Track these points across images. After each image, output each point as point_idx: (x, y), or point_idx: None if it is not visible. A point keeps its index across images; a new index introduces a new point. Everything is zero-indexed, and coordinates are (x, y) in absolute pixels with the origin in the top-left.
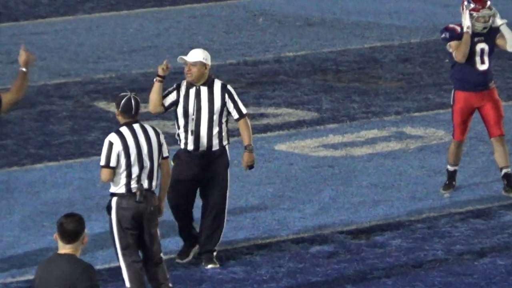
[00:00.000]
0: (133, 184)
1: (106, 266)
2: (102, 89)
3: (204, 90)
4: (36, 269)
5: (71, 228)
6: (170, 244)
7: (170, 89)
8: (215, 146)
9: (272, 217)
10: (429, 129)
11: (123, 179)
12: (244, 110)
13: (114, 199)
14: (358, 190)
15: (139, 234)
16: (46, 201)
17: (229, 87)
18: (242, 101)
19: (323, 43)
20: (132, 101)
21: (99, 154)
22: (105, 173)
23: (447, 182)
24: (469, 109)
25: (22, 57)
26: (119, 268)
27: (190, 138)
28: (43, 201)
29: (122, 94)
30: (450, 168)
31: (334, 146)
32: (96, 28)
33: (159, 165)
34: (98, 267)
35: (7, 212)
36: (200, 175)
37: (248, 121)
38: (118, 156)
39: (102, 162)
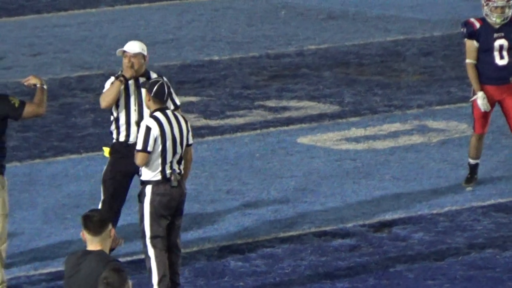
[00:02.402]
0: (167, 170)
1: (129, 258)
2: None
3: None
4: (64, 263)
5: (97, 218)
6: (192, 236)
7: (110, 83)
8: None
9: (294, 210)
10: (451, 122)
11: (158, 166)
12: (178, 102)
13: (149, 187)
14: (380, 184)
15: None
16: (68, 194)
17: (165, 78)
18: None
19: (345, 36)
20: (165, 87)
21: None
22: (141, 157)
23: (468, 176)
24: (489, 102)
25: (31, 80)
26: (141, 261)
27: (133, 129)
28: (65, 194)
29: (153, 79)
30: (472, 161)
31: (356, 140)
32: (119, 20)
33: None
34: (120, 259)
35: (29, 204)
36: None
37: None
38: (155, 140)
39: (139, 146)
